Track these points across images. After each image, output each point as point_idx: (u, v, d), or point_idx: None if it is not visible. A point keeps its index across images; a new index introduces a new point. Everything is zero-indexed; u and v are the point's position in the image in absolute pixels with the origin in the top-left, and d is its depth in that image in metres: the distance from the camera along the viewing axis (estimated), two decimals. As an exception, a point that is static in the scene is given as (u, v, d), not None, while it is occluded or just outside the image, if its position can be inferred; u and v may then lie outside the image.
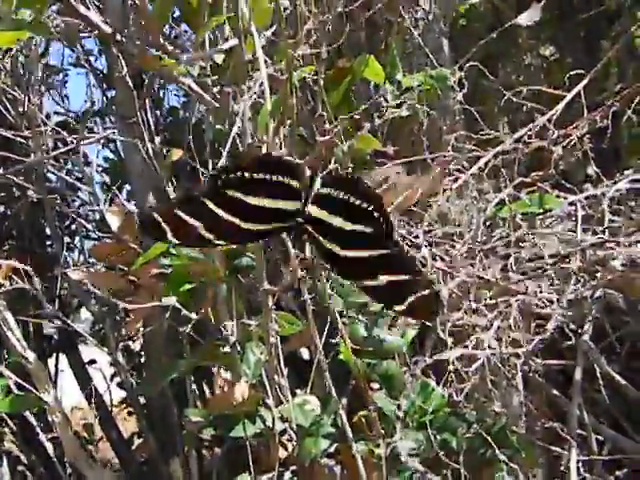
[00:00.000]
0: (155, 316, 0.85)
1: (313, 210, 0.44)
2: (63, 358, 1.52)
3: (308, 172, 0.44)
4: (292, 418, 0.66)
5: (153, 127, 1.26)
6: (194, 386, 1.20)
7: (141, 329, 1.28)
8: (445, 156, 0.66)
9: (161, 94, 1.38)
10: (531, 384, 0.67)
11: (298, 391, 0.73)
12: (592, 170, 0.68)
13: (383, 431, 0.62)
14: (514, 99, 0.70)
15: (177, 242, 0.45)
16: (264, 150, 0.49)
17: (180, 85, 0.65)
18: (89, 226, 1.42)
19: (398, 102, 0.82)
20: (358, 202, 0.43)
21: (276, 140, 0.48)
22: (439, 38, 0.93)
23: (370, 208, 0.43)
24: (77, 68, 1.41)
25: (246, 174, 0.43)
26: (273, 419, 0.67)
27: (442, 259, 0.58)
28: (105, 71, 1.36)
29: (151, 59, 0.61)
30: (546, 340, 0.60)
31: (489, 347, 0.63)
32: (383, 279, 0.43)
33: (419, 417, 0.63)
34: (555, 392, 0.67)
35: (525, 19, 0.80)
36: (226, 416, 0.68)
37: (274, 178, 0.43)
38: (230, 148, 0.52)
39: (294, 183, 0.44)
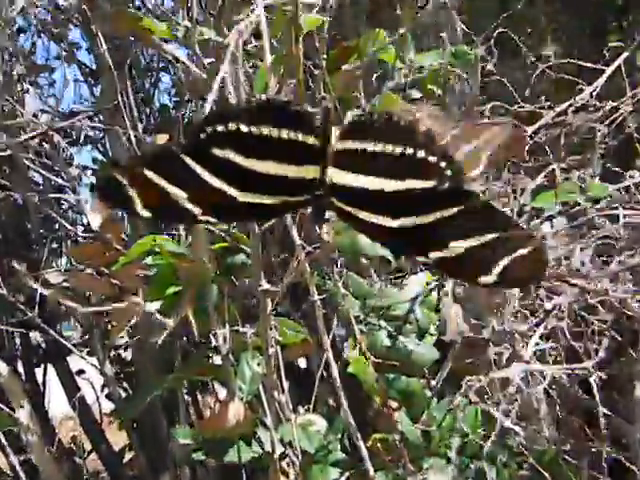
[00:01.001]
0: (144, 322, 0.74)
1: (336, 175, 0.30)
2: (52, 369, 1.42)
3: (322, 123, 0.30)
4: (295, 441, 0.54)
5: (143, 125, 1.16)
6: (187, 397, 1.10)
7: (127, 337, 1.18)
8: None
9: (152, 93, 1.29)
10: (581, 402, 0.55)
11: (300, 409, 0.61)
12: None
13: (401, 458, 0.50)
14: (548, 71, 0.59)
15: (149, 215, 0.31)
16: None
17: (163, 53, 0.53)
18: (76, 230, 1.32)
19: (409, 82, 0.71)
20: (401, 148, 0.29)
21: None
22: (450, 15, 0.83)
23: (421, 152, 0.29)
24: (62, 62, 1.30)
25: (241, 126, 0.29)
26: (272, 442, 0.55)
27: None
28: (92, 66, 1.27)
29: (127, 19, 0.50)
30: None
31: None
32: (457, 247, 0.30)
33: (448, 442, 0.51)
34: (608, 412, 0.55)
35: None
36: (219, 439, 0.56)
37: (280, 133, 0.30)
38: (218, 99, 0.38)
39: (308, 139, 0.30)
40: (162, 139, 0.69)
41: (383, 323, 0.50)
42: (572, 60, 0.61)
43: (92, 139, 1.39)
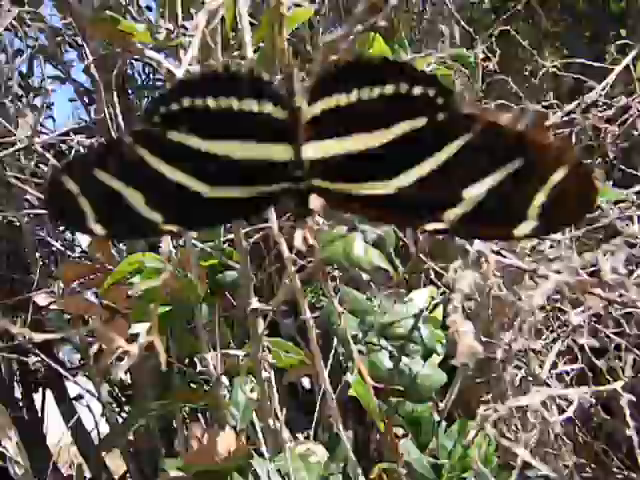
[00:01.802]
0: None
1: (313, 148, 0.24)
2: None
3: (293, 87, 0.24)
4: (292, 473, 0.49)
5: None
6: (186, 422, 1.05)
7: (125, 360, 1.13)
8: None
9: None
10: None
11: (300, 436, 0.56)
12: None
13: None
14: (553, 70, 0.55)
15: (103, 232, 0.25)
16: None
17: (146, 60, 0.49)
18: (73, 252, 1.28)
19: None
20: (389, 88, 0.23)
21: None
22: (449, 22, 0.80)
23: (403, 86, 0.23)
24: (57, 82, 1.28)
25: (197, 102, 0.24)
26: (269, 475, 0.50)
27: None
28: (88, 85, 1.24)
29: (105, 23, 0.46)
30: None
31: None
32: (475, 193, 0.23)
33: (460, 473, 0.45)
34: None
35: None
36: (211, 472, 0.51)
37: (242, 105, 0.24)
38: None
39: (274, 110, 0.24)
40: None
41: (384, 342, 0.45)
42: (573, 66, 0.57)
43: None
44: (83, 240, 0.77)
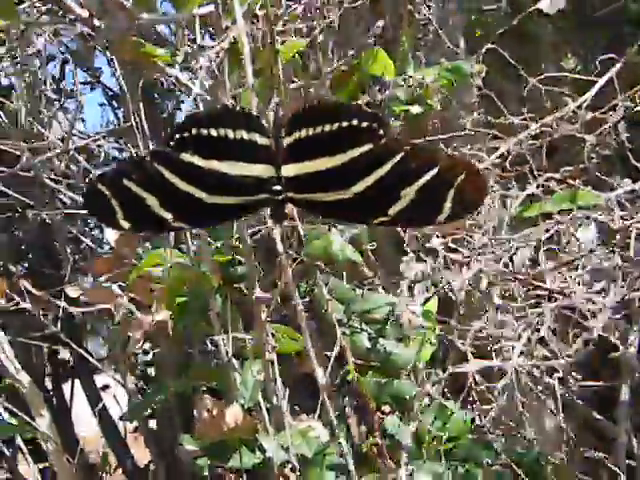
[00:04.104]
0: (162, 334, 0.78)
1: (289, 169, 0.34)
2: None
3: (275, 122, 0.35)
4: (292, 447, 0.56)
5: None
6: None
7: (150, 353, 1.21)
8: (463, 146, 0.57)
9: (174, 114, 1.34)
10: (567, 406, 0.56)
11: (304, 416, 0.64)
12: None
13: (397, 462, 0.52)
14: (538, 84, 0.61)
15: (128, 226, 0.34)
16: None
17: (166, 77, 0.58)
18: (102, 248, 1.37)
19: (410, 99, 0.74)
20: (344, 124, 0.33)
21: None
22: (454, 33, 0.85)
23: (355, 121, 0.33)
24: (88, 87, 1.37)
25: (202, 131, 0.33)
26: (274, 448, 0.58)
27: (457, 250, 0.48)
28: (116, 89, 1.33)
29: (129, 46, 0.54)
30: (584, 352, 0.49)
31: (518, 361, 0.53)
32: (409, 192, 0.33)
33: (437, 445, 0.53)
34: (597, 416, 0.56)
35: (547, 5, 0.71)
36: (221, 443, 0.59)
37: (236, 135, 0.33)
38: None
39: (260, 139, 0.34)
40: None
41: (365, 326, 0.53)
42: (579, 75, 0.62)
43: (117, 160, 1.45)
44: (110, 237, 0.85)
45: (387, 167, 0.33)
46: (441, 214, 0.34)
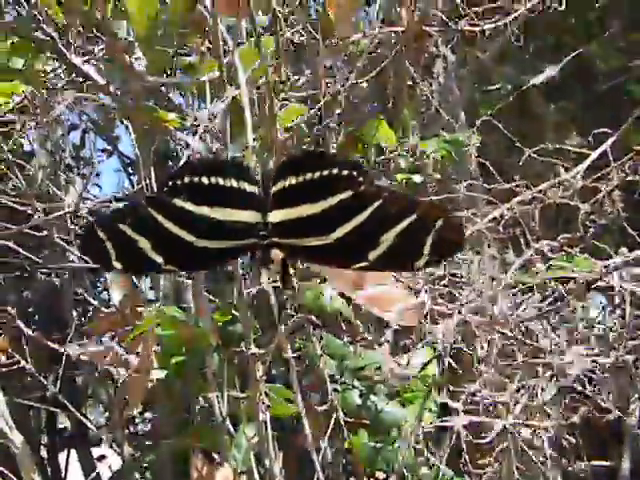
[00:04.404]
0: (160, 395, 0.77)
1: (275, 215, 0.36)
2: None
3: (264, 172, 0.37)
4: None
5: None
6: None
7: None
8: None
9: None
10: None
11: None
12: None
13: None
14: (534, 155, 0.63)
15: (121, 268, 0.36)
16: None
17: (177, 141, 0.61)
18: (107, 310, 1.37)
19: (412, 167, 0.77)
20: (325, 172, 0.35)
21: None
22: (454, 109, 0.89)
23: (336, 170, 0.34)
24: (106, 154, 1.43)
25: (195, 178, 0.35)
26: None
27: (442, 300, 0.48)
28: (132, 156, 1.38)
29: (144, 111, 0.58)
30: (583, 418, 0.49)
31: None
32: (387, 239, 0.34)
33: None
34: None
35: (541, 79, 0.75)
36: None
37: (226, 183, 0.35)
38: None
39: (248, 187, 0.36)
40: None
41: (356, 383, 0.53)
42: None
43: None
44: (115, 298, 0.86)
45: (366, 213, 0.35)
46: (420, 259, 0.35)
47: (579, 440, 0.59)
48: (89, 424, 1.14)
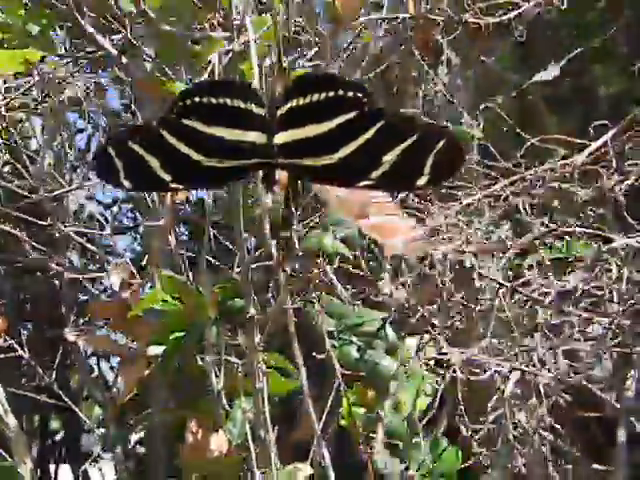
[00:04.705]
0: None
1: (281, 137, 0.36)
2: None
3: (271, 94, 0.37)
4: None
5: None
6: None
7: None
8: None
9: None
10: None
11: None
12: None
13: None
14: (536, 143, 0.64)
15: (129, 186, 0.37)
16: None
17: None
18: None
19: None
20: (331, 94, 0.35)
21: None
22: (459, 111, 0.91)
23: (341, 91, 0.35)
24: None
25: (204, 99, 0.36)
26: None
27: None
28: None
29: (153, 84, 0.59)
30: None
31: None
32: (390, 159, 0.35)
33: (428, 481, 0.51)
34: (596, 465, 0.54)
35: (544, 76, 0.77)
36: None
37: (234, 104, 0.36)
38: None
39: (256, 108, 0.36)
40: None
41: (354, 339, 0.53)
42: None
43: (130, 228, 1.50)
44: (115, 282, 0.86)
45: (370, 133, 0.35)
46: (421, 178, 0.36)
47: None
48: (82, 416, 1.13)
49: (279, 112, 0.37)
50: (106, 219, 1.46)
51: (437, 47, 0.78)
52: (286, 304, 0.46)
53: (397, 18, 0.70)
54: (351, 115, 0.36)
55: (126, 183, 0.37)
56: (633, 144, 0.60)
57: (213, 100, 0.37)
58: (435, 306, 0.51)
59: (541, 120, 1.11)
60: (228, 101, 0.37)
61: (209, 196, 0.80)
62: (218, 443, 0.55)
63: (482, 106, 0.68)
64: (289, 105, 0.37)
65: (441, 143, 0.35)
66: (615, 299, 0.53)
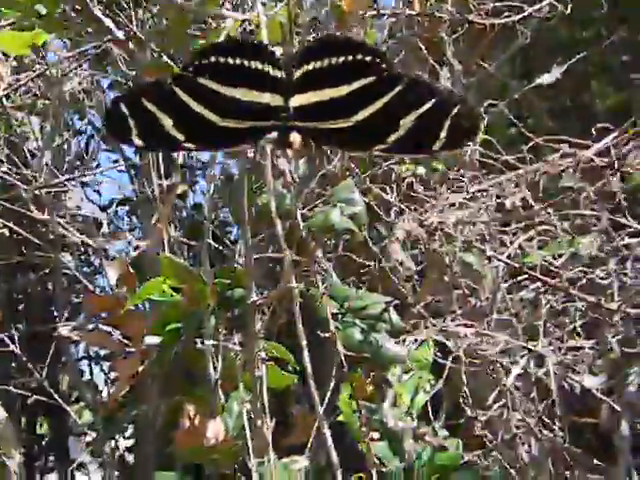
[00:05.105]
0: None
1: (297, 99, 0.36)
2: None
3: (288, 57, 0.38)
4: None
5: (176, 222, 1.25)
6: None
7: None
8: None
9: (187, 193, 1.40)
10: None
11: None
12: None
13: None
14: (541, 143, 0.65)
15: (141, 144, 0.36)
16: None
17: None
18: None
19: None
20: (350, 57, 0.35)
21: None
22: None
23: (360, 55, 0.35)
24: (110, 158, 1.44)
25: (221, 59, 0.36)
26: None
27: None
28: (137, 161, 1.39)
29: (158, 67, 0.59)
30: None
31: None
32: (407, 122, 0.35)
33: (428, 474, 0.50)
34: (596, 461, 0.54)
35: (547, 79, 0.77)
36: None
37: (251, 65, 0.36)
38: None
39: (272, 70, 0.36)
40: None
41: (358, 321, 0.53)
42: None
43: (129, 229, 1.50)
44: (112, 276, 0.86)
45: (387, 97, 0.36)
46: (436, 143, 0.36)
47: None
48: (73, 414, 1.11)
49: (296, 74, 0.37)
50: (100, 223, 1.45)
51: (441, 47, 0.78)
52: (291, 283, 0.45)
53: (401, 14, 0.71)
54: (369, 80, 0.36)
55: (138, 142, 0.37)
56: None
57: (230, 60, 0.37)
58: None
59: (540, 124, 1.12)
60: (245, 62, 0.37)
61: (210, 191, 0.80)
62: (215, 430, 0.54)
63: (485, 103, 0.68)
64: (306, 68, 0.37)
65: (457, 108, 0.35)
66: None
